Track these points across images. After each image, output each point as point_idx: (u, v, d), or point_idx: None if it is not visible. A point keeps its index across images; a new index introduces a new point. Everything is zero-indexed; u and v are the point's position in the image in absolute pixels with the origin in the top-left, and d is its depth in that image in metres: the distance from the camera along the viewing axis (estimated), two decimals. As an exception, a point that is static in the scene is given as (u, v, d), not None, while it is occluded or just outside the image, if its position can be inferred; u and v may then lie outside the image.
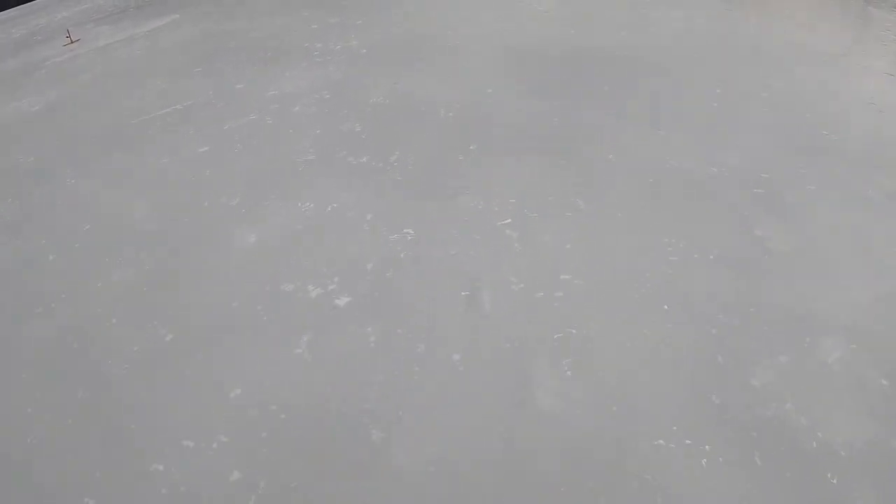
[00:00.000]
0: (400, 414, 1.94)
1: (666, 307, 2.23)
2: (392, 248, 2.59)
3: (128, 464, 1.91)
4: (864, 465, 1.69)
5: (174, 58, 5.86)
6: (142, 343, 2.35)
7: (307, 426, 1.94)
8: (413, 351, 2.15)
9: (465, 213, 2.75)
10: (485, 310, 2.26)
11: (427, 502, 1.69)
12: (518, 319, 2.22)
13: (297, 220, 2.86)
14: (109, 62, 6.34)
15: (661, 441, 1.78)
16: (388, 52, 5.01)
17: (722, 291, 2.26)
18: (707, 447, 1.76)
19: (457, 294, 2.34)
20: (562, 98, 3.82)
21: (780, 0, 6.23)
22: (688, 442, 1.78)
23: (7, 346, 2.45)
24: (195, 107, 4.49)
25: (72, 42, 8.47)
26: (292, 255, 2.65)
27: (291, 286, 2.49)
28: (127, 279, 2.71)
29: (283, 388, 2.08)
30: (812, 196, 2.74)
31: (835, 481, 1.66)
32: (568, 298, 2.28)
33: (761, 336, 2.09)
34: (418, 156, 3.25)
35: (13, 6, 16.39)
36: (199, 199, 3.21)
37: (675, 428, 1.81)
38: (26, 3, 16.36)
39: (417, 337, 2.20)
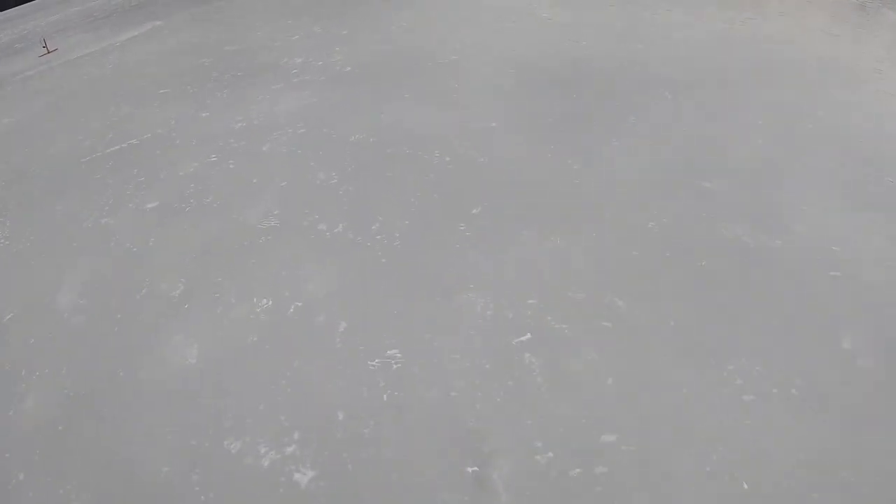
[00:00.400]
0: None
1: (746, 486, 1.46)
2: (372, 384, 1.81)
3: None
4: None
5: (143, 75, 5.03)
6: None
7: None
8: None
9: (469, 322, 1.95)
10: (500, 501, 1.49)
11: None
12: (550, 518, 1.45)
13: (249, 328, 2.08)
14: (77, 79, 5.50)
15: None
16: (374, 71, 4.16)
17: (815, 456, 1.48)
18: None
19: (459, 470, 1.56)
20: (582, 135, 2.99)
21: (795, 5, 5.33)
22: None
23: None
24: (152, 142, 3.68)
25: (48, 52, 7.62)
26: (241, 391, 1.87)
27: (237, 444, 1.72)
28: (43, 409, 1.95)
29: None
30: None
31: None
32: (613, 477, 1.50)
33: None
34: (407, 223, 2.45)
35: (12, 6, 15.40)
36: (138, 281, 2.42)
37: None
38: (25, 2, 15.38)
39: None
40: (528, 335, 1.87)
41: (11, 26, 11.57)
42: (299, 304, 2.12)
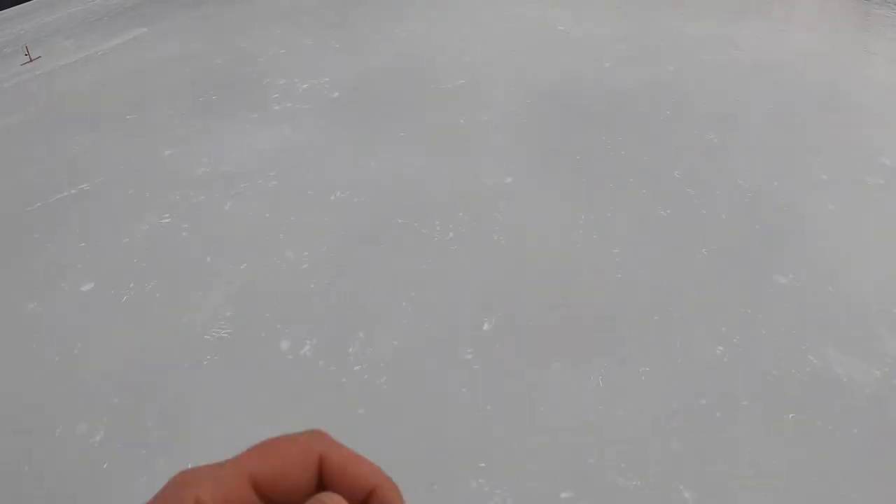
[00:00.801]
0: None
1: None
2: None
3: None
4: None
5: (116, 95, 4.31)
6: None
7: None
8: None
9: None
10: None
11: None
12: None
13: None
14: (48, 97, 4.81)
15: None
16: (366, 98, 3.44)
17: None
18: None
19: None
20: (619, 197, 2.28)
21: (820, 14, 4.54)
22: None
23: None
24: (104, 188, 3.00)
25: (30, 60, 6.93)
26: None
27: None
28: None
29: None
30: None
31: None
32: None
33: None
34: (395, 344, 1.76)
35: (11, 6, 14.69)
36: (53, 414, 1.77)
37: None
38: (23, 2, 14.64)
39: None
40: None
41: (10, 26, 10.85)
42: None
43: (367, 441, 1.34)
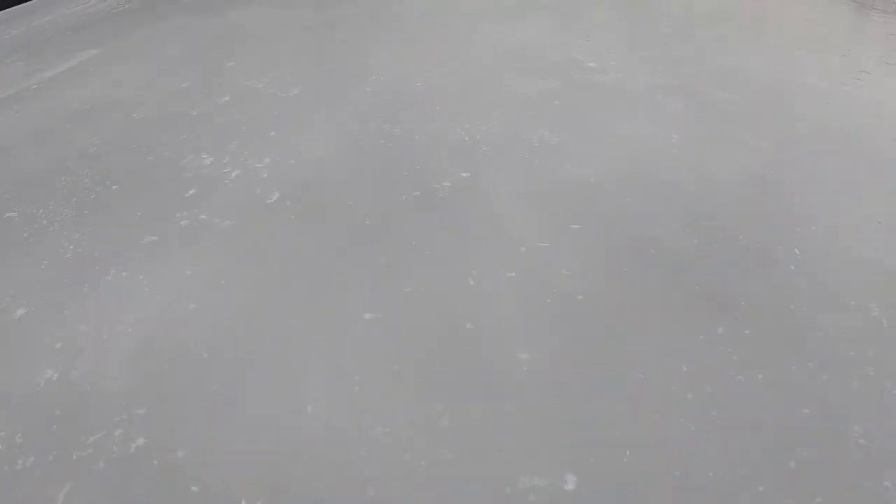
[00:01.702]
0: None
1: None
2: None
3: None
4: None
5: (8, 168, 3.03)
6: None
7: None
8: None
9: None
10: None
11: None
12: None
13: None
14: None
15: None
16: (315, 208, 2.13)
17: None
18: None
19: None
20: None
21: None
22: None
23: None
24: None
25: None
26: None
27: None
28: None
29: None
30: None
31: None
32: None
33: None
34: None
35: (8, 7, 13.37)
36: None
37: None
38: (21, 3, 13.33)
39: None
40: None
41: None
42: None
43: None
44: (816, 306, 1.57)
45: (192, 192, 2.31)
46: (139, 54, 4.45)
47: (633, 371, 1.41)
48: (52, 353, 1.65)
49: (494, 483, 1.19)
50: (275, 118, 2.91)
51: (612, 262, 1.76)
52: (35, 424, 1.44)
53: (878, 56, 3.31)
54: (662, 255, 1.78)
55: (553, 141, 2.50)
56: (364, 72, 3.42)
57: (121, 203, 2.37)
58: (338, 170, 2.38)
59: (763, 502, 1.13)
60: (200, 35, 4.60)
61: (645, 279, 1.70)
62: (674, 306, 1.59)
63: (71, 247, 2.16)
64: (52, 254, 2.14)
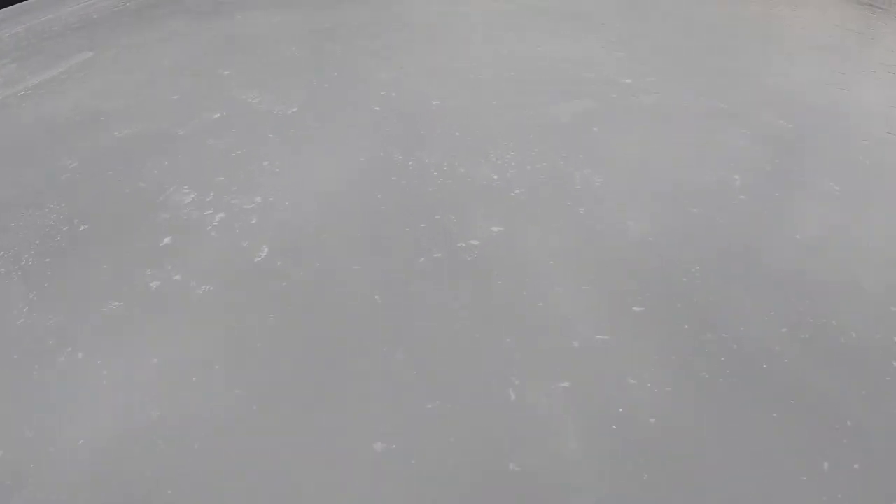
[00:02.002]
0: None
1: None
2: None
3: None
4: None
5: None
6: None
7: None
8: None
9: None
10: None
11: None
12: None
13: None
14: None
15: None
16: (313, 271, 1.70)
17: None
18: None
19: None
20: None
21: None
22: None
23: None
24: None
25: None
26: None
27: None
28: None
29: None
30: None
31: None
32: None
33: None
34: None
35: (8, 5, 12.95)
36: None
37: None
38: (19, 2, 12.91)
39: None
40: None
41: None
42: None
43: None
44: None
45: (167, 240, 1.89)
46: (132, 60, 4.02)
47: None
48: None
49: None
50: (270, 143, 2.48)
51: (687, 367, 1.34)
52: None
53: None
54: (749, 358, 1.36)
55: (596, 181, 2.07)
56: (372, 85, 2.98)
57: (87, 250, 1.95)
58: (341, 218, 1.96)
59: None
60: (198, 39, 4.16)
61: (730, 391, 1.27)
62: (771, 432, 1.17)
63: (25, 309, 1.75)
64: (2, 317, 1.73)
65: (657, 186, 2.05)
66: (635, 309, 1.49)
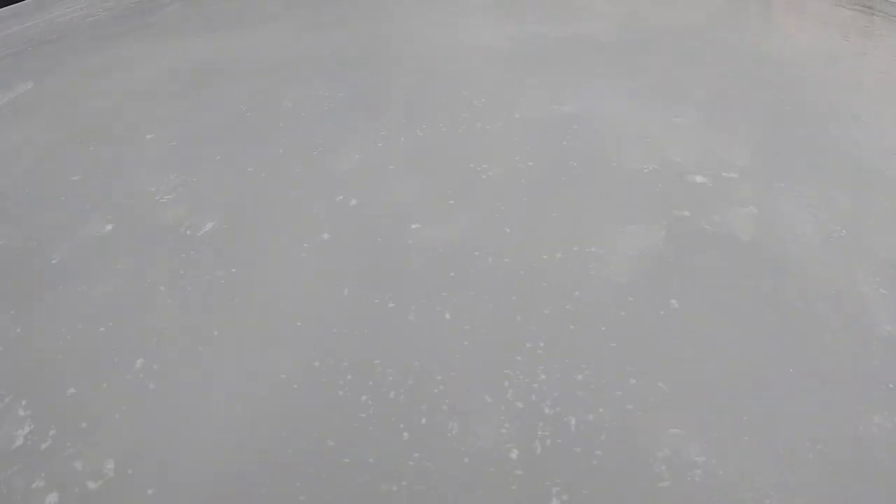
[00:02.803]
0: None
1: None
2: None
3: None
4: None
5: None
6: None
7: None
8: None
9: None
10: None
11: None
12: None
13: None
14: None
15: None
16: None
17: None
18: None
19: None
20: None
21: None
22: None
23: None
24: None
25: None
26: None
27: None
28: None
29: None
30: None
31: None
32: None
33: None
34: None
35: (7, 5, 11.88)
36: None
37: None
38: (17, 2, 11.83)
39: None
40: None
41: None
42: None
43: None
44: None
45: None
46: (77, 92, 2.98)
47: None
48: None
49: None
50: (153, 312, 1.48)
51: None
52: None
53: None
54: None
55: (696, 458, 1.09)
56: (326, 183, 1.95)
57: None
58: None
59: None
60: (138, 78, 3.12)
61: None
62: None
63: None
64: None
65: (790, 446, 1.07)
66: None
